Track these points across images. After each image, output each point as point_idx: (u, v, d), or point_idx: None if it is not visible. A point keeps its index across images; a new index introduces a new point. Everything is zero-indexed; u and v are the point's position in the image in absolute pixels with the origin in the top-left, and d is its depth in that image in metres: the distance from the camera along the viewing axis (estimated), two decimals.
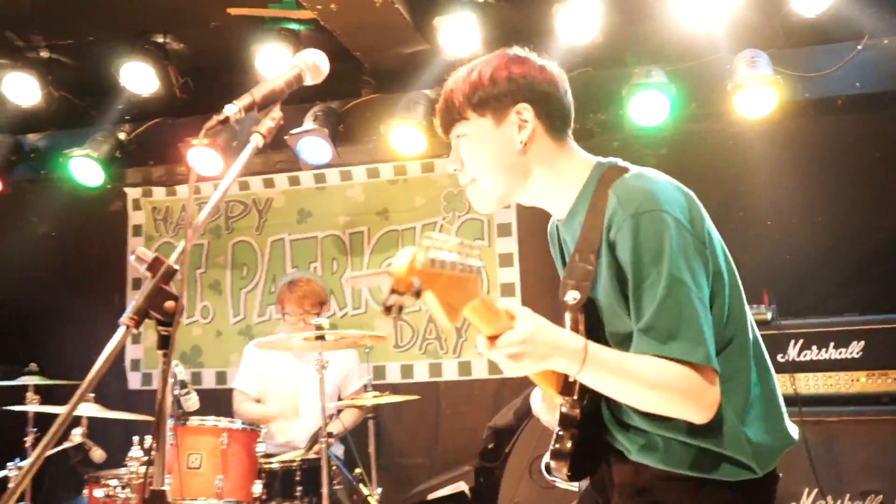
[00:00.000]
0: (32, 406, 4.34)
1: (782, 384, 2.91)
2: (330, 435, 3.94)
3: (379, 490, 4.16)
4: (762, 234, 4.88)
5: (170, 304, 1.52)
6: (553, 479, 1.86)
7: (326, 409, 3.90)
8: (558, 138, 1.87)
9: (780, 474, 1.80)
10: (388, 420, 5.00)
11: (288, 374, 4.75)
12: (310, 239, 5.67)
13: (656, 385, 1.63)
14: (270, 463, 3.99)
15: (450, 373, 5.33)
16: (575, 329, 1.72)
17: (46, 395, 4.48)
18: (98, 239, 5.90)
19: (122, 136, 5.40)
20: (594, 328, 1.75)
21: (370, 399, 4.13)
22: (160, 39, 4.84)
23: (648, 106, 4.50)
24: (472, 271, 1.39)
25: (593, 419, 1.80)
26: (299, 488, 3.97)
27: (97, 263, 5.88)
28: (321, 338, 3.93)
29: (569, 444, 1.75)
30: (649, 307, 1.64)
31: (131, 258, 1.55)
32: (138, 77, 4.82)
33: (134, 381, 5.78)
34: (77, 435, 4.30)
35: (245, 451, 3.88)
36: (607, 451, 1.85)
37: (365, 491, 3.99)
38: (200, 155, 5.01)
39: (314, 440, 4.19)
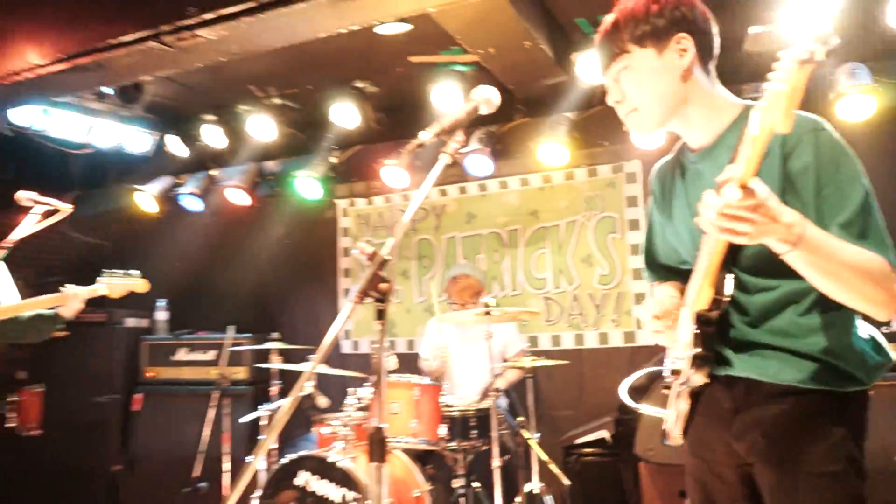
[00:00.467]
0: (276, 364, 4.61)
1: None
2: (496, 389, 3.97)
3: (537, 435, 4.14)
4: None
5: (384, 285, 1.58)
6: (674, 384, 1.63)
7: (493, 369, 3.93)
8: (708, 71, 1.64)
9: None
10: (542, 379, 4.97)
11: (462, 342, 4.83)
12: (476, 236, 5.70)
13: (860, 269, 1.39)
14: (451, 411, 4.04)
15: (591, 342, 5.22)
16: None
17: (285, 355, 4.76)
18: (317, 239, 6.09)
19: (333, 160, 5.59)
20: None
21: (528, 362, 4.12)
22: (359, 84, 4.96)
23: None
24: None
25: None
26: (473, 431, 3.99)
27: (317, 257, 6.08)
28: (488, 313, 3.97)
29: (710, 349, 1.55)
30: (847, 206, 1.44)
31: (353, 251, 1.62)
32: (344, 114, 4.96)
33: (346, 347, 5.99)
34: (308, 386, 4.54)
35: (432, 401, 3.94)
36: (726, 383, 1.61)
37: (526, 435, 3.99)
38: (393, 172, 5.15)
39: (484, 393, 4.24)
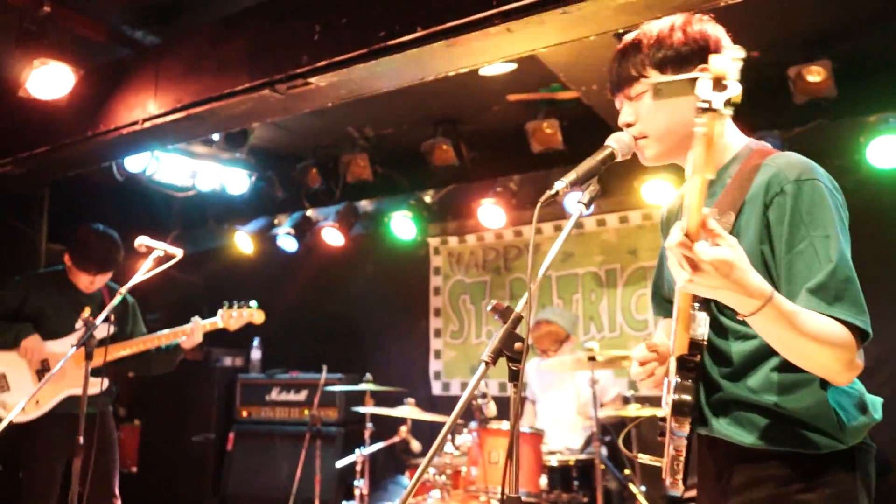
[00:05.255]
0: (370, 408, 4.62)
1: None
2: (602, 438, 3.84)
3: (643, 488, 3.97)
4: None
5: (518, 345, 1.52)
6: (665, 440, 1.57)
7: (591, 415, 3.80)
8: None
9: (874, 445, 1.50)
10: (647, 429, 4.77)
11: (542, 387, 4.69)
12: (572, 275, 5.61)
13: (820, 340, 1.36)
14: (551, 461, 3.94)
15: None
16: None
17: (376, 397, 4.76)
18: (409, 277, 6.15)
19: (427, 199, 5.66)
20: None
21: (633, 409, 3.97)
22: (454, 123, 5.00)
23: (887, 149, 3.98)
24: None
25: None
26: (576, 482, 3.90)
27: (409, 296, 6.14)
28: (592, 359, 3.86)
29: (691, 398, 1.48)
30: (818, 269, 1.40)
31: (488, 307, 1.56)
32: (439, 153, 5.00)
33: (436, 388, 5.97)
34: (403, 431, 4.53)
35: (533, 450, 3.85)
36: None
37: (633, 489, 3.83)
38: (489, 211, 5.14)
39: (587, 442, 4.11)
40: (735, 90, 1.15)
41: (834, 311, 1.39)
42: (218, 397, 5.86)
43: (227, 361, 6.05)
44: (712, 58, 1.19)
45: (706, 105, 1.16)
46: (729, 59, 1.18)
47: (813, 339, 1.37)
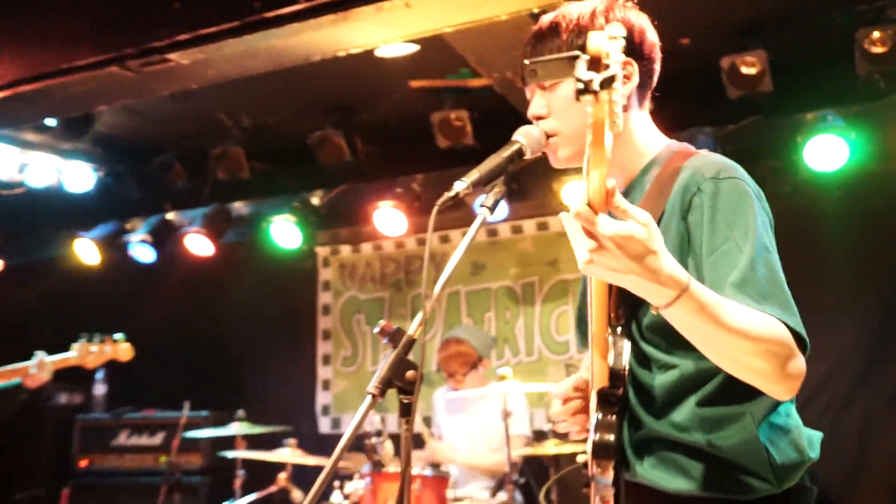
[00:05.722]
0: (242, 452, 4.52)
1: None
2: (515, 481, 3.89)
3: None
4: None
5: (411, 373, 1.52)
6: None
7: (502, 453, 3.83)
8: (643, 103, 1.69)
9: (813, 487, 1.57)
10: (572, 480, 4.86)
11: (464, 420, 4.72)
12: (483, 290, 5.67)
13: (754, 335, 1.35)
14: None
15: None
16: (615, 296, 1.52)
17: (250, 440, 4.66)
18: (293, 294, 6.08)
19: (314, 201, 5.61)
20: (635, 301, 1.50)
21: (551, 446, 4.04)
22: (347, 112, 4.97)
23: (825, 150, 4.24)
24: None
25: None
26: None
27: (292, 316, 6.07)
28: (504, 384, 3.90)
29: (613, 437, 1.49)
30: (739, 265, 1.44)
31: (375, 329, 1.55)
32: (327, 147, 4.95)
33: (324, 425, 5.91)
34: (282, 478, 4.46)
35: (436, 497, 3.87)
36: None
37: None
38: (387, 216, 5.13)
39: (498, 486, 4.15)
40: (614, 70, 1.19)
41: (765, 308, 1.40)
42: (49, 443, 5.66)
43: (63, 399, 5.83)
44: (590, 35, 1.23)
45: (582, 86, 1.20)
46: (606, 38, 1.22)
47: (741, 333, 1.35)
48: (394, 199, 5.15)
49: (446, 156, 4.86)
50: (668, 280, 1.32)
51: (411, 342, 1.55)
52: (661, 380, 1.57)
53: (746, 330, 1.36)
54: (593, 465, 1.53)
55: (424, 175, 5.28)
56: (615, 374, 1.54)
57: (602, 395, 1.54)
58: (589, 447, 1.53)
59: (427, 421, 4.93)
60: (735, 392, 1.49)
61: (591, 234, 1.29)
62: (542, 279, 5.52)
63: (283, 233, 5.48)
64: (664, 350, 1.55)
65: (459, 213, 5.14)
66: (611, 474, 1.52)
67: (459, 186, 1.61)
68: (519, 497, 4.42)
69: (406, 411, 1.53)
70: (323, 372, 5.99)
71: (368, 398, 1.50)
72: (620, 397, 1.54)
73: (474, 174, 1.63)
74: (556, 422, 1.77)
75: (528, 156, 1.70)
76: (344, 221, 5.90)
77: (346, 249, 6.07)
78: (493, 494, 4.25)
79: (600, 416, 1.53)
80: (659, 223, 1.52)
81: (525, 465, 4.45)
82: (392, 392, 1.53)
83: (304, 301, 6.07)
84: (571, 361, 5.22)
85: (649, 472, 1.57)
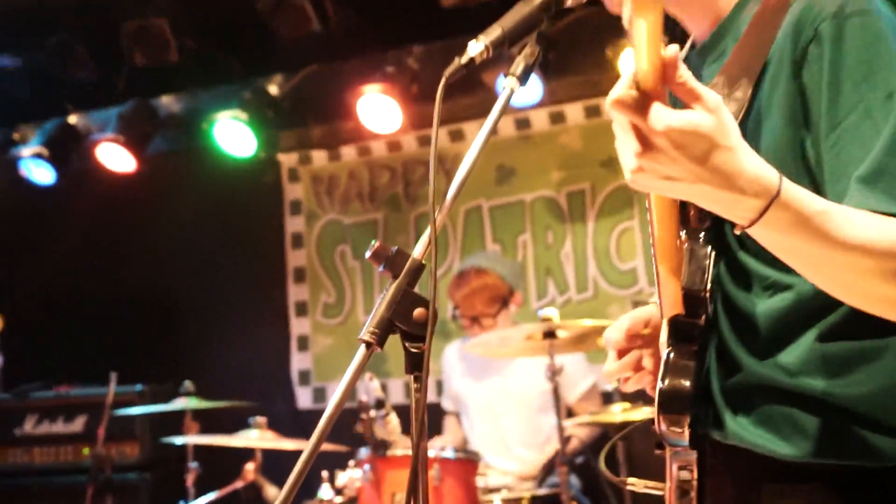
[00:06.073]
0: (193, 437, 4.58)
1: None
2: (570, 462, 3.95)
3: None
4: None
5: (420, 311, 1.50)
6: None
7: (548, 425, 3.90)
8: None
9: None
10: (639, 438, 4.92)
11: (494, 383, 4.78)
12: (515, 204, 5.70)
13: (879, 250, 1.33)
14: (491, 501, 4.02)
15: None
16: None
17: (206, 419, 4.73)
18: (250, 221, 6.12)
19: (273, 90, 5.58)
20: None
21: (616, 413, 4.09)
22: None
23: None
24: None
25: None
26: None
27: (251, 252, 6.12)
28: (550, 335, 3.93)
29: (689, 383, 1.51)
30: (872, 147, 1.40)
31: (366, 254, 1.53)
32: (286, 15, 4.91)
33: (304, 399, 6.03)
34: (249, 470, 4.53)
35: (462, 486, 3.91)
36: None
37: None
38: (375, 105, 5.10)
39: (547, 470, 4.22)
40: None
41: None
42: None
43: None
44: None
45: None
46: None
47: (859, 249, 1.33)
48: (383, 82, 5.10)
49: (453, 18, 4.81)
50: (750, 185, 1.28)
51: (418, 268, 1.52)
52: (767, 305, 1.56)
53: (869, 244, 1.34)
54: (661, 422, 1.54)
55: (424, 46, 5.24)
56: (692, 297, 1.54)
57: (675, 325, 1.56)
58: (656, 396, 1.54)
59: (439, 387, 4.99)
60: (871, 322, 1.46)
61: (638, 132, 1.25)
62: (595, 186, 5.54)
63: (232, 136, 5.48)
64: (773, 264, 1.52)
65: (476, 97, 5.27)
66: (686, 433, 1.53)
67: (475, 49, 1.59)
68: (575, 481, 4.50)
69: (416, 365, 1.53)
70: (298, 326, 6.06)
71: (362, 349, 1.51)
72: (702, 329, 1.55)
73: (495, 30, 1.61)
74: (616, 379, 1.80)
75: (569, 3, 1.68)
76: (315, 117, 5.93)
77: (320, 156, 6.08)
78: (541, 482, 4.31)
79: (672, 354, 1.54)
80: (759, 82, 1.51)
81: (586, 440, 4.52)
82: (395, 342, 1.52)
83: (266, 230, 6.13)
84: (641, 297, 5.25)
85: (750, 431, 1.58)
